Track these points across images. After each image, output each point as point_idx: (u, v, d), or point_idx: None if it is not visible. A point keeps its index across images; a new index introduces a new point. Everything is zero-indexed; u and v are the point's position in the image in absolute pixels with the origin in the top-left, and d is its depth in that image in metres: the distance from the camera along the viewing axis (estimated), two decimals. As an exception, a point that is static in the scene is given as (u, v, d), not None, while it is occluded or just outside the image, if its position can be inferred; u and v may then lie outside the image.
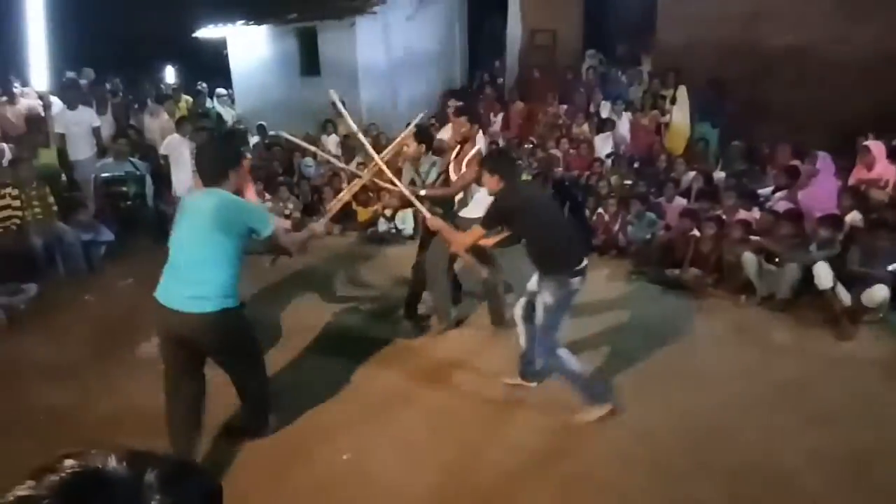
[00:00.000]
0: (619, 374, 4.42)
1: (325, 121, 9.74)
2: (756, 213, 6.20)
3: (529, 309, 4.01)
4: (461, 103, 4.59)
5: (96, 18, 13.15)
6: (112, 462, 0.75)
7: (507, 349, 4.51)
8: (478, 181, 4.21)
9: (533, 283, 3.94)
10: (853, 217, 5.73)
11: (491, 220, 3.90)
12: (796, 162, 6.70)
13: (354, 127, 4.99)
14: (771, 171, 7.27)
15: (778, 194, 6.54)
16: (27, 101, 8.31)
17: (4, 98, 8.11)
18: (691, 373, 4.46)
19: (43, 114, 8.02)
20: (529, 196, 3.99)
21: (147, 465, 0.76)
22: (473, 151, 4.50)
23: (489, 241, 4.17)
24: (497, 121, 10.47)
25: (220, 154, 3.44)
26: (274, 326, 5.26)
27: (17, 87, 8.33)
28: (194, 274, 3.19)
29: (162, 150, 7.79)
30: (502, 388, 4.26)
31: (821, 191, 6.19)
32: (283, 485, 3.43)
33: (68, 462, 0.74)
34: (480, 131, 4.70)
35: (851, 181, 6.54)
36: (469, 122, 4.51)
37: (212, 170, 3.33)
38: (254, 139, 10.76)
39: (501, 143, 9.45)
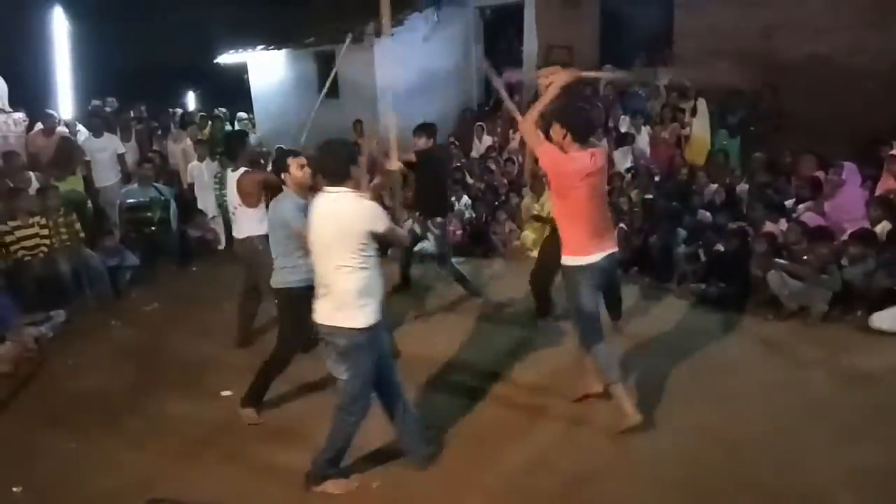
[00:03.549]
0: (648, 392, 4.34)
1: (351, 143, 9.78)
2: (783, 225, 6.10)
3: None
4: None
5: (120, 47, 13.44)
6: None
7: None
8: None
9: None
10: (883, 227, 5.62)
11: None
12: (820, 173, 6.59)
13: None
14: (795, 182, 7.16)
15: (802, 206, 6.43)
16: (61, 131, 8.49)
17: (41, 128, 8.28)
18: (721, 390, 4.38)
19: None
20: None
21: None
22: None
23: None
24: (516, 138, 10.44)
25: None
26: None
27: (58, 121, 8.48)
28: None
29: (187, 180, 7.98)
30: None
31: (848, 201, 6.09)
32: None
33: None
34: None
35: (879, 191, 6.42)
36: None
37: None
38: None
39: (518, 159, 9.45)
